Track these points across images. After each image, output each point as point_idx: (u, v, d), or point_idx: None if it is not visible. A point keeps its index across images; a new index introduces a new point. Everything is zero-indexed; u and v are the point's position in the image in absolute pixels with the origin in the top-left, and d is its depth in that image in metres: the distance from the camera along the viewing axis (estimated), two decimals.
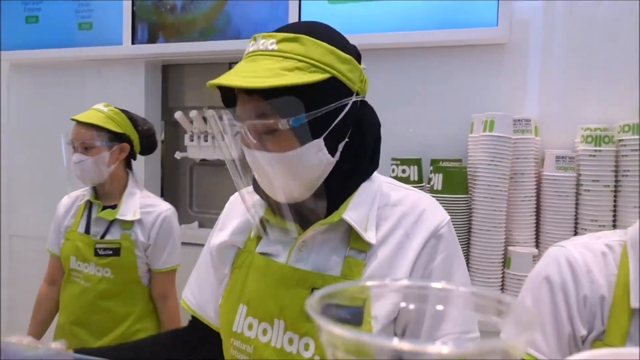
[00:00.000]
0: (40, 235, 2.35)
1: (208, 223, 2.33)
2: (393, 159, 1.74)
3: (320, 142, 0.82)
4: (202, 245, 2.28)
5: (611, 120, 1.60)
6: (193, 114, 2.11)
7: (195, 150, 2.20)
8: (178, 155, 2.22)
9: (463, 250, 1.61)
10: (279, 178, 0.81)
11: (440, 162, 1.70)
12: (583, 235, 0.90)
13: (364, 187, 0.87)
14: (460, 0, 1.72)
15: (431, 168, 1.69)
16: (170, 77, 2.32)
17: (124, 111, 1.74)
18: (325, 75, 0.80)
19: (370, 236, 0.83)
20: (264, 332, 0.84)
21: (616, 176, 1.56)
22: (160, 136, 2.33)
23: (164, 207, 1.74)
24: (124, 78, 2.21)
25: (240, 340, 0.86)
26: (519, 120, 1.63)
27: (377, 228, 0.84)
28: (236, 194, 1.03)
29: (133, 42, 2.14)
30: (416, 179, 1.71)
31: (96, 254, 1.65)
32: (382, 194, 0.88)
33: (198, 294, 0.99)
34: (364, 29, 1.78)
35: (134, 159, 1.81)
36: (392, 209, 0.87)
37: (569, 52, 1.69)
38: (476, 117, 1.68)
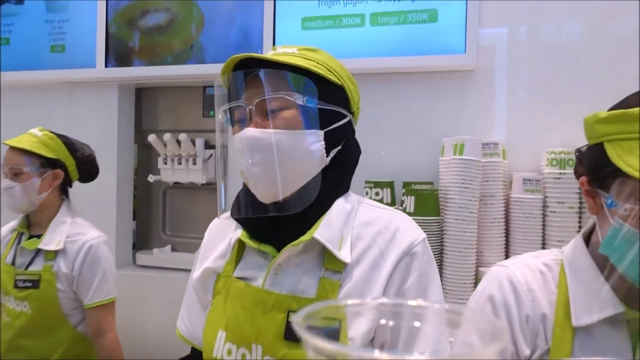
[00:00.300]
0: None
1: (181, 247, 2.31)
2: (366, 182, 1.77)
3: (321, 133, 0.87)
4: (176, 269, 2.27)
5: (575, 143, 1.65)
6: (167, 136, 2.10)
7: (168, 173, 2.19)
8: (151, 178, 2.21)
9: None
10: (274, 159, 0.82)
11: (413, 185, 1.73)
12: (522, 254, 0.93)
13: (338, 204, 0.88)
14: (429, 28, 1.78)
15: (403, 190, 1.72)
16: (143, 100, 2.32)
17: (61, 136, 1.66)
18: (338, 82, 0.90)
19: (345, 255, 0.83)
20: (243, 357, 0.84)
21: (580, 198, 1.62)
22: (133, 159, 2.31)
23: (92, 236, 1.62)
24: (96, 101, 2.20)
25: None
26: (487, 144, 1.68)
27: (352, 247, 0.85)
28: (214, 221, 1.04)
29: (106, 65, 2.13)
30: (389, 201, 1.74)
31: (15, 286, 1.53)
32: (357, 213, 0.90)
33: (189, 323, 0.99)
34: (337, 54, 1.82)
35: (70, 187, 1.72)
36: (367, 227, 0.88)
37: (533, 78, 1.76)
38: (446, 140, 1.72)
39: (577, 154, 0.88)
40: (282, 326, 0.81)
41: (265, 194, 0.85)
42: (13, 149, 1.58)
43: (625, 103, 0.78)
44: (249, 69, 0.86)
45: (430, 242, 1.61)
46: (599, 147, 0.78)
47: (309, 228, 0.85)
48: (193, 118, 2.22)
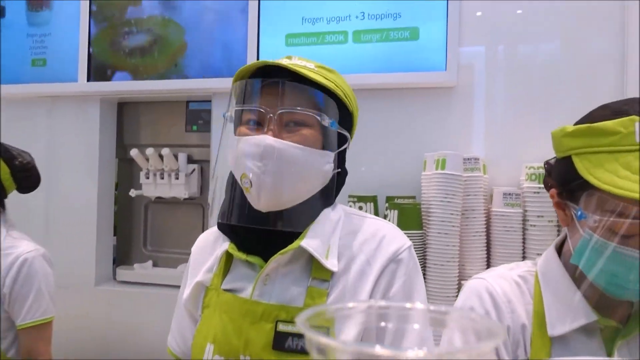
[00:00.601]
0: None
1: (162, 262, 2.29)
2: (350, 196, 1.78)
3: (333, 155, 0.90)
4: (157, 285, 2.23)
5: None
6: (149, 151, 2.10)
7: (150, 188, 2.18)
8: (133, 193, 2.19)
9: None
10: (287, 172, 0.83)
11: (395, 199, 1.75)
12: (498, 267, 0.95)
13: (325, 215, 0.90)
14: (411, 45, 1.81)
15: (387, 205, 1.74)
16: (126, 115, 2.31)
17: None
18: (350, 108, 0.93)
19: (332, 264, 0.85)
20: None
21: None
22: (114, 174, 2.29)
23: (26, 249, 1.49)
24: (78, 115, 2.18)
25: None
26: (468, 159, 1.71)
27: (339, 256, 0.87)
28: (201, 236, 1.04)
29: (88, 79, 2.12)
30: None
31: None
32: (343, 223, 0.92)
33: (180, 340, 0.99)
34: None
35: (5, 197, 1.59)
36: (354, 236, 0.90)
37: (512, 95, 1.81)
38: (428, 155, 1.75)
39: (546, 166, 0.90)
40: (271, 336, 0.81)
41: (267, 204, 0.85)
42: None
43: (591, 116, 0.81)
44: (282, 79, 0.86)
45: None
46: (567, 160, 0.80)
47: (296, 238, 0.87)
48: (176, 133, 2.22)
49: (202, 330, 0.90)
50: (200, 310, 0.92)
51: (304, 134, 0.85)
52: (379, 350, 0.28)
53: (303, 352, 0.76)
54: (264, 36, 1.93)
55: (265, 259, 0.87)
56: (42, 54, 2.17)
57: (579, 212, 0.78)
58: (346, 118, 0.93)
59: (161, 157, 2.12)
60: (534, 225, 1.65)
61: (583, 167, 0.76)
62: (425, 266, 1.69)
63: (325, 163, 0.88)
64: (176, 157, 2.15)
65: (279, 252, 0.85)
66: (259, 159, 0.82)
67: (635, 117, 0.73)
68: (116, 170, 2.32)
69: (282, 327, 0.80)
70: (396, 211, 1.68)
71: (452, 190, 1.64)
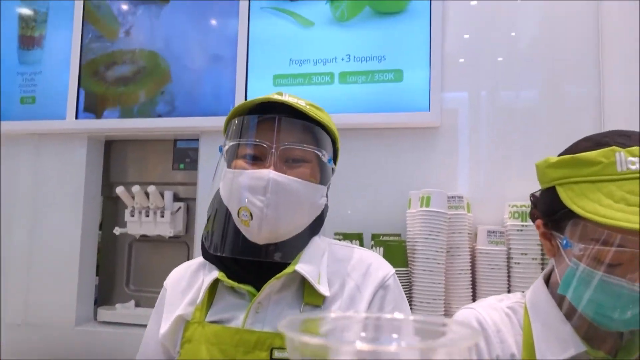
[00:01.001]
0: None
1: (145, 302, 2.25)
2: (336, 233, 1.78)
3: (324, 188, 0.94)
4: (139, 325, 2.19)
5: None
6: (135, 188, 2.09)
7: (135, 226, 2.16)
8: (117, 231, 2.17)
9: None
10: (289, 205, 0.86)
11: (381, 237, 1.76)
12: (488, 298, 0.97)
13: (314, 242, 0.93)
14: (395, 87, 1.86)
15: (372, 242, 1.74)
16: (113, 153, 2.31)
17: None
18: (336, 144, 1.01)
19: (324, 289, 0.87)
20: None
21: (542, 249, 1.67)
22: (99, 212, 2.28)
23: None
24: (64, 152, 2.18)
25: None
26: (452, 197, 1.74)
27: (329, 282, 0.88)
28: (175, 271, 1.03)
29: (77, 117, 2.13)
30: None
31: None
32: (329, 251, 0.94)
33: None
34: None
35: None
36: (341, 264, 0.93)
37: (495, 136, 1.85)
38: (413, 193, 1.77)
39: (532, 198, 0.92)
40: None
41: (267, 236, 0.87)
42: None
43: (574, 148, 0.84)
44: (281, 114, 0.90)
45: None
46: (552, 190, 0.82)
47: (285, 267, 0.88)
48: (162, 171, 2.22)
49: None
50: (179, 346, 0.91)
51: (303, 169, 0.90)
52: (359, 345, 0.29)
53: None
54: (252, 76, 1.97)
55: (257, 286, 0.88)
56: (31, 91, 2.19)
57: (565, 241, 0.79)
58: (334, 154, 1.00)
59: (147, 194, 2.12)
60: (518, 263, 1.67)
61: (567, 196, 0.78)
62: (411, 304, 1.68)
63: (321, 197, 0.93)
64: (162, 195, 2.14)
65: (274, 277, 0.87)
66: (262, 193, 0.85)
67: (616, 148, 0.75)
68: (101, 208, 2.30)
69: (277, 355, 0.80)
70: (382, 248, 1.68)
71: (436, 227, 1.66)
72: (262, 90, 1.95)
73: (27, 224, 2.19)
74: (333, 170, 0.99)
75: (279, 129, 0.89)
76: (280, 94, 0.95)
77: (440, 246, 1.66)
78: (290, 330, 0.32)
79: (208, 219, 0.96)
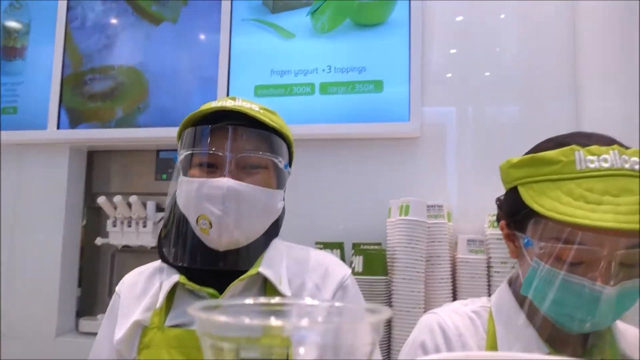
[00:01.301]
0: None
1: None
2: (317, 243, 1.79)
3: (282, 193, 0.96)
4: None
5: None
6: (117, 199, 2.09)
7: (117, 236, 2.15)
8: (99, 241, 2.16)
9: (385, 331, 1.65)
10: (247, 212, 0.87)
11: (361, 246, 1.77)
12: (453, 302, 0.97)
13: (274, 244, 0.95)
14: (375, 97, 1.88)
15: (352, 251, 1.75)
16: (95, 163, 2.31)
17: None
18: (291, 147, 1.01)
19: (285, 289, 0.88)
20: None
21: None
22: (81, 222, 2.27)
23: None
24: (46, 163, 2.17)
25: None
26: (432, 206, 1.75)
27: (289, 283, 0.90)
28: (128, 276, 1.03)
29: (58, 127, 2.13)
30: None
31: None
32: (287, 254, 0.96)
33: None
34: (288, 120, 1.88)
35: None
36: (300, 265, 0.95)
37: (474, 147, 1.88)
38: (393, 202, 1.78)
39: (497, 202, 0.93)
40: None
41: (227, 243, 0.89)
42: None
43: (536, 149, 0.85)
44: (237, 123, 0.91)
45: (378, 301, 1.64)
46: (514, 191, 0.83)
47: (249, 267, 0.89)
48: (145, 181, 2.22)
49: None
50: (135, 352, 0.90)
51: (260, 176, 0.91)
52: (273, 322, 0.30)
53: None
54: (233, 87, 1.99)
55: (218, 289, 0.88)
56: (13, 102, 2.18)
57: (526, 240, 0.79)
58: (290, 157, 1.02)
59: (129, 205, 2.11)
60: (498, 272, 1.68)
61: (528, 195, 0.78)
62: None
63: (279, 201, 0.95)
64: (145, 205, 2.14)
65: (237, 279, 0.88)
66: (220, 202, 0.86)
67: (576, 147, 0.76)
68: (84, 218, 2.29)
69: (243, 355, 0.80)
70: (361, 257, 1.69)
71: (415, 236, 1.67)
72: None
73: (8, 234, 2.18)
74: (289, 173, 1.00)
75: (234, 138, 0.89)
76: (233, 98, 0.96)
77: (419, 254, 1.67)
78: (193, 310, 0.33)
79: (165, 226, 0.97)
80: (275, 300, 0.39)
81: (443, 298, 1.71)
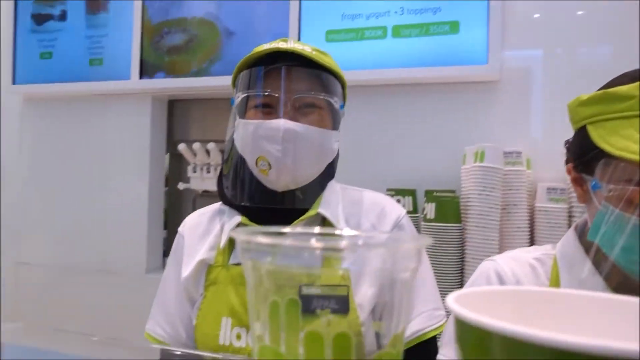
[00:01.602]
0: (47, 263, 2.41)
1: None
2: (388, 190, 1.78)
3: (337, 134, 0.96)
4: None
5: None
6: (196, 146, 2.18)
7: (197, 181, 2.26)
8: (181, 185, 2.28)
9: (456, 279, 1.64)
10: (305, 152, 0.89)
11: (434, 193, 1.74)
12: (514, 249, 0.94)
13: (331, 185, 0.97)
14: (451, 39, 1.80)
15: (425, 198, 1.73)
16: (175, 112, 2.41)
17: None
18: (346, 89, 1.01)
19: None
20: None
21: None
22: (164, 168, 2.39)
23: None
24: (131, 111, 2.30)
25: (231, 352, 0.89)
26: (509, 152, 1.68)
27: (346, 224, 0.92)
28: (189, 218, 1.07)
29: (141, 78, 2.22)
30: (411, 209, 1.75)
31: None
32: (343, 194, 0.97)
33: (168, 325, 0.99)
34: (359, 66, 1.87)
35: None
36: (356, 206, 0.96)
37: (559, 90, 1.76)
38: (468, 149, 1.73)
39: (566, 145, 0.87)
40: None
41: (286, 184, 0.91)
42: None
43: (608, 84, 0.78)
44: (289, 63, 0.91)
45: (451, 249, 1.63)
46: (582, 130, 0.78)
47: (308, 207, 0.93)
48: (222, 128, 2.28)
49: (211, 307, 0.92)
50: (202, 288, 0.94)
51: (317, 117, 0.91)
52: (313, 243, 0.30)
53: (326, 311, 0.79)
54: (304, 33, 1.97)
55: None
56: (99, 54, 2.30)
57: (594, 183, 0.74)
58: (343, 98, 1.01)
59: (208, 152, 2.20)
60: None
61: (597, 135, 0.73)
62: (463, 260, 1.67)
63: (334, 142, 0.95)
64: (222, 151, 2.21)
65: (298, 220, 0.91)
66: (279, 142, 0.87)
67: None
68: (166, 165, 2.42)
69: (305, 291, 0.83)
70: (434, 204, 1.67)
71: (490, 183, 1.62)
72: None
73: (98, 180, 2.35)
74: (343, 114, 1.00)
75: (290, 78, 0.89)
76: (285, 40, 0.95)
77: (494, 202, 1.63)
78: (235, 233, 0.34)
79: (224, 169, 0.99)
80: (326, 230, 0.40)
81: (519, 247, 1.66)
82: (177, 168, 2.45)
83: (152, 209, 2.30)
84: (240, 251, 0.35)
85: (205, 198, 2.40)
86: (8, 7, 2.43)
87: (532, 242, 1.69)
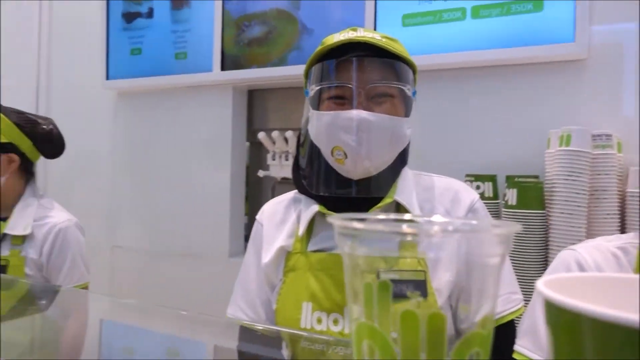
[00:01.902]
0: (138, 247, 2.58)
1: None
2: (467, 175, 1.75)
3: (409, 120, 0.98)
4: None
5: None
6: (275, 134, 2.24)
7: (276, 169, 2.33)
8: (261, 173, 2.36)
9: (539, 267, 1.59)
10: (379, 141, 0.91)
11: (516, 178, 1.69)
12: (596, 238, 0.90)
13: (405, 172, 0.99)
14: (534, 18, 1.72)
15: (506, 184, 1.69)
16: (255, 101, 2.48)
17: (16, 114, 1.55)
18: (415, 75, 1.01)
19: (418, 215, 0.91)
20: (335, 322, 0.90)
21: None
22: (245, 156, 2.48)
23: (60, 219, 1.54)
24: (214, 102, 2.40)
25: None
26: (598, 135, 1.60)
27: (420, 209, 0.94)
28: (267, 206, 1.11)
29: (222, 70, 2.31)
30: (491, 195, 1.71)
31: None
32: (415, 181, 1.00)
33: (250, 310, 1.04)
34: (437, 49, 1.83)
35: (32, 167, 1.62)
36: (429, 192, 0.98)
37: None
38: (553, 132, 1.66)
39: None
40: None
41: (360, 171, 0.93)
42: None
43: None
44: (363, 54, 0.93)
45: (534, 237, 1.58)
46: None
47: (383, 194, 0.95)
48: (299, 116, 2.33)
49: (291, 292, 0.95)
50: (281, 274, 0.98)
51: (389, 105, 0.93)
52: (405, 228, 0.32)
53: (404, 296, 0.81)
54: (380, 18, 1.96)
55: None
56: (183, 47, 2.41)
57: None
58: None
59: (286, 139, 2.25)
60: None
61: None
62: (547, 248, 1.62)
63: (407, 129, 0.96)
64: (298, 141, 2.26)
65: (375, 207, 0.93)
66: (353, 133, 0.90)
67: None
68: (248, 152, 2.51)
69: (384, 276, 0.85)
70: (515, 190, 1.62)
71: (577, 168, 1.55)
72: (390, 32, 1.93)
73: (184, 169, 2.48)
74: (414, 100, 1.01)
75: (362, 69, 0.92)
76: (355, 29, 0.97)
77: (581, 187, 1.56)
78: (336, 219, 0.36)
79: (299, 159, 1.03)
80: (407, 216, 0.42)
81: (609, 235, 1.58)
82: (256, 156, 2.53)
83: (234, 195, 2.40)
84: (338, 236, 0.38)
85: (283, 185, 2.47)
86: (101, 8, 2.60)
87: (622, 230, 1.60)
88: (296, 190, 1.06)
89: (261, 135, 2.29)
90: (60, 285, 1.45)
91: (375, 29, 1.96)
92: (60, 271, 1.51)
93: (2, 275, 1.40)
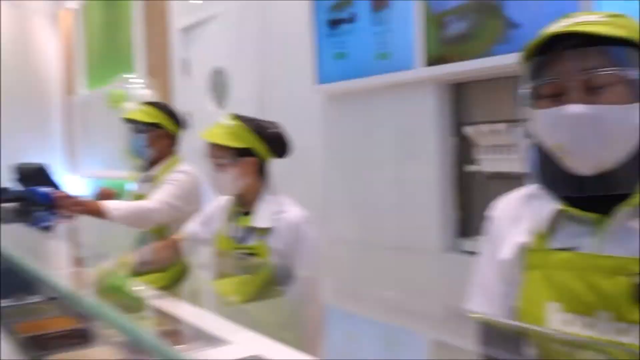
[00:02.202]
0: (351, 239, 2.73)
1: None
2: None
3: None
4: None
5: None
6: (484, 128, 2.14)
7: (487, 163, 2.22)
8: (470, 168, 2.29)
9: None
10: (601, 136, 0.86)
11: None
12: None
13: None
14: None
15: None
16: (460, 95, 2.39)
17: (249, 121, 1.79)
18: None
19: None
20: (586, 325, 0.86)
21: None
22: (451, 151, 2.42)
23: (297, 213, 1.77)
24: (417, 99, 2.38)
25: None
26: None
27: None
28: (502, 203, 1.09)
29: (425, 66, 2.27)
30: None
31: None
32: None
33: (488, 306, 1.03)
34: None
35: (266, 167, 1.86)
36: None
37: None
38: None
39: None
40: (629, 289, 0.81)
41: (590, 167, 0.88)
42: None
43: None
44: (576, 45, 0.88)
45: None
46: None
47: (627, 189, 0.88)
48: (508, 108, 2.18)
49: (533, 291, 0.93)
50: (521, 271, 0.96)
51: (610, 94, 0.85)
52: None
53: None
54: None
55: (598, 212, 0.88)
56: (385, 48, 2.43)
57: None
58: None
59: (496, 133, 2.13)
60: None
61: None
62: None
63: (636, 116, 0.86)
64: (511, 132, 2.12)
65: (625, 205, 0.86)
66: (572, 128, 0.86)
67: None
68: (455, 148, 2.44)
69: (636, 280, 0.81)
70: None
71: None
72: (612, 9, 1.66)
73: (393, 164, 2.53)
74: None
75: (576, 61, 0.87)
76: (569, 16, 0.90)
77: None
78: None
79: (529, 156, 0.99)
80: None
81: None
82: (464, 151, 2.45)
83: (442, 191, 2.37)
84: None
85: (496, 180, 2.35)
86: (308, 17, 2.77)
87: None
88: (531, 186, 1.04)
89: (469, 130, 2.20)
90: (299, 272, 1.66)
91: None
92: (299, 260, 1.72)
93: (253, 260, 1.68)
